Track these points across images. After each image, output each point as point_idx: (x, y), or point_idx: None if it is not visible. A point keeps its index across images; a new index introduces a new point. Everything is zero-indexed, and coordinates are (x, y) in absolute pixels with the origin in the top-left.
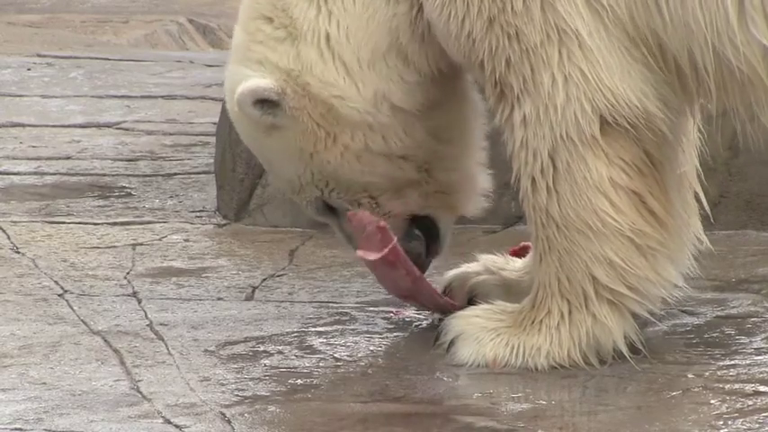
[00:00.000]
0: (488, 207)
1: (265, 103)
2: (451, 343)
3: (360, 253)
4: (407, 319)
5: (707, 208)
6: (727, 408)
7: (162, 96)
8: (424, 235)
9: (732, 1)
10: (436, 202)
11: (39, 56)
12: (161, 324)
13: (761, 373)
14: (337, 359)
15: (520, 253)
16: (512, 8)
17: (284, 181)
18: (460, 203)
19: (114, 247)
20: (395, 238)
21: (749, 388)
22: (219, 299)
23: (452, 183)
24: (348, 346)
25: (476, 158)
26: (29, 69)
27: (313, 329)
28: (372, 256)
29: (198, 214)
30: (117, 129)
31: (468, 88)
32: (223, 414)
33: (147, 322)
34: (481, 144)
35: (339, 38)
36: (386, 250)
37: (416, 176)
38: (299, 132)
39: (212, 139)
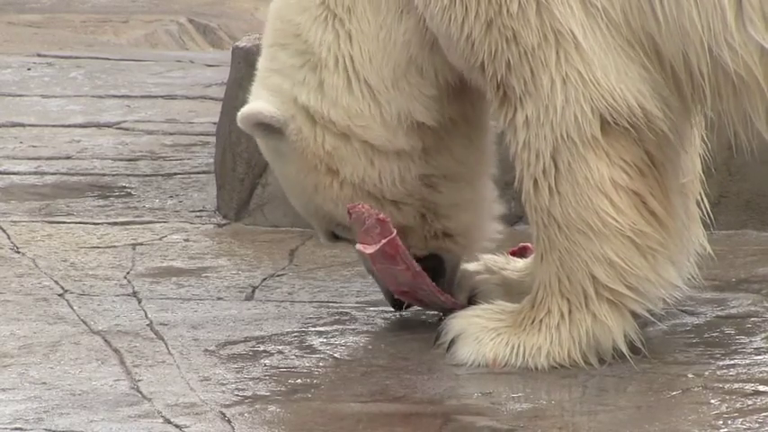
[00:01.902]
0: None
1: (269, 128)
2: (451, 343)
3: (359, 246)
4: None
5: (707, 208)
6: (727, 407)
7: (162, 96)
8: (430, 273)
9: (730, 2)
10: (441, 244)
11: (39, 56)
12: (161, 324)
13: (761, 372)
14: (337, 359)
15: (519, 254)
16: (507, 11)
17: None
18: (464, 248)
19: (114, 246)
20: (394, 231)
21: (749, 388)
22: (219, 299)
23: (451, 229)
24: (348, 346)
25: (483, 204)
26: (29, 69)
27: (313, 329)
28: (371, 249)
29: (198, 214)
30: (117, 129)
31: (480, 136)
32: (223, 414)
33: (147, 322)
34: (491, 185)
35: (363, 61)
36: (384, 241)
37: (413, 222)
38: (302, 168)
39: (212, 139)
